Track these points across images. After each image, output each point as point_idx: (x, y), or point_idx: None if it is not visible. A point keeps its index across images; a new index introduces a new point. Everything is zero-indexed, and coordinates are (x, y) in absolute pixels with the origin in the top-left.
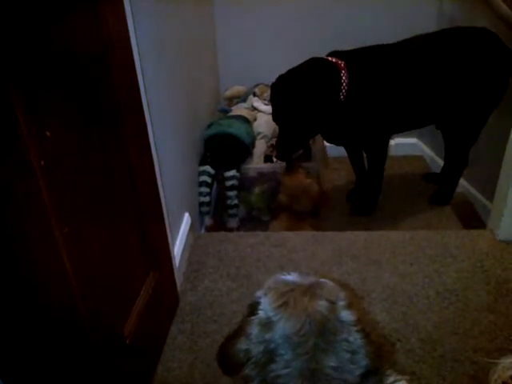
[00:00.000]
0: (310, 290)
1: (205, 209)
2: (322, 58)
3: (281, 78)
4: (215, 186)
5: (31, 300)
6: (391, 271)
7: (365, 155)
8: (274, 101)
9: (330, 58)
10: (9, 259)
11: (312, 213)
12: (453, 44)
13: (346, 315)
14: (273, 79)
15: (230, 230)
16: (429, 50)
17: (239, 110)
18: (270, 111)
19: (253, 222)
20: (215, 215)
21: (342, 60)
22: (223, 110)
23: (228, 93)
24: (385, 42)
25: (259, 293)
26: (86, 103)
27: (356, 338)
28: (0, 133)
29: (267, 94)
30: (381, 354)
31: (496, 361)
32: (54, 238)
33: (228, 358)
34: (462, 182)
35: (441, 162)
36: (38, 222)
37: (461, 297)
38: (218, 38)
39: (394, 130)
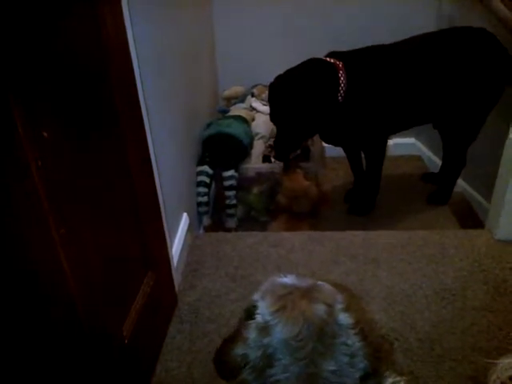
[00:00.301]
0: (308, 294)
1: (203, 209)
2: (320, 59)
3: (279, 78)
4: (213, 186)
5: (29, 300)
6: (389, 271)
7: (363, 155)
8: (271, 101)
9: (328, 59)
10: (6, 260)
11: (311, 214)
12: (451, 44)
13: (344, 318)
14: (271, 80)
15: (229, 230)
16: (427, 50)
17: (237, 110)
18: (268, 111)
19: (251, 221)
20: (213, 215)
21: (340, 60)
22: (222, 110)
23: (226, 93)
24: (384, 43)
25: (256, 296)
26: (83, 104)
27: (354, 341)
28: None
29: (265, 94)
30: (379, 356)
31: (495, 361)
32: (52, 239)
33: (225, 363)
34: (460, 181)
35: (439, 162)
36: (36, 222)
37: (459, 296)
38: (216, 39)
39: (392, 131)
